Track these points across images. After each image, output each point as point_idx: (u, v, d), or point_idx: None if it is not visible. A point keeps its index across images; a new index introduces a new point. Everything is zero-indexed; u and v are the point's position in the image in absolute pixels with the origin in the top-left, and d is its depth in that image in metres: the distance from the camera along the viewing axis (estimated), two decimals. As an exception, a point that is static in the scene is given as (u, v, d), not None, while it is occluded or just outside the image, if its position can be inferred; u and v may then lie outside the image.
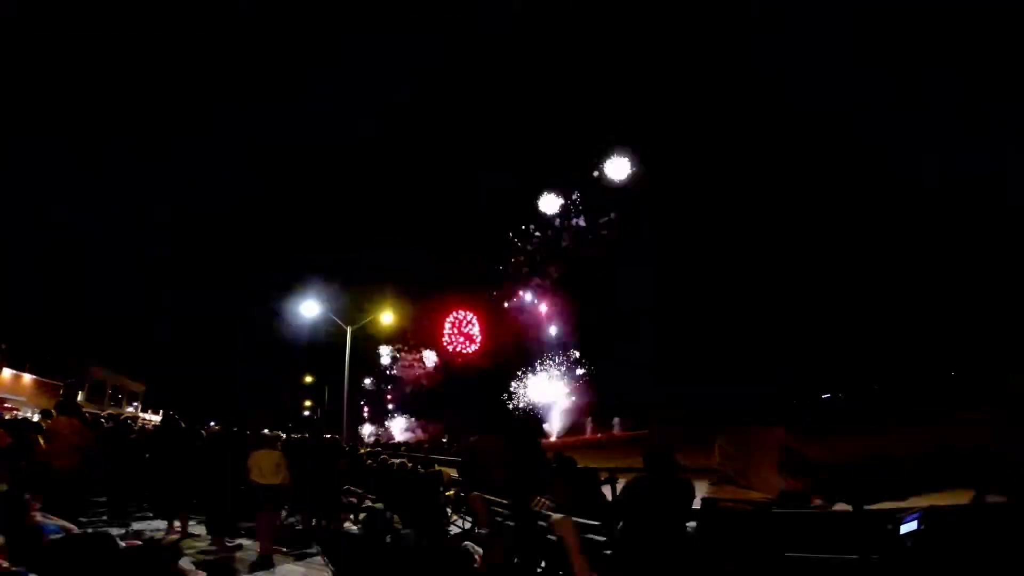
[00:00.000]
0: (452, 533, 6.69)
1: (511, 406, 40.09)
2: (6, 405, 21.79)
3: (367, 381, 49.89)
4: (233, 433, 7.59)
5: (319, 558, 5.90)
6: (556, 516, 4.54)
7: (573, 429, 37.73)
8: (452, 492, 7.61)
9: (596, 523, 4.02)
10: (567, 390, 39.49)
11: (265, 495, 6.03)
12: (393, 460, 10.12)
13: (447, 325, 42.77)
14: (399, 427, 48.87)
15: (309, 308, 15.08)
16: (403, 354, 45.96)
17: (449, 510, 7.22)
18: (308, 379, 41.54)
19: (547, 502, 5.07)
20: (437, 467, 8.13)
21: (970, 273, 25.72)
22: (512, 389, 40.76)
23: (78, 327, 38.89)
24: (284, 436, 10.49)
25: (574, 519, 4.29)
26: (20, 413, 17.60)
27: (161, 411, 46.52)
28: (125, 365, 42.80)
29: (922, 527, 2.43)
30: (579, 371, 39.62)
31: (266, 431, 8.41)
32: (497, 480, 6.80)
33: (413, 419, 48.39)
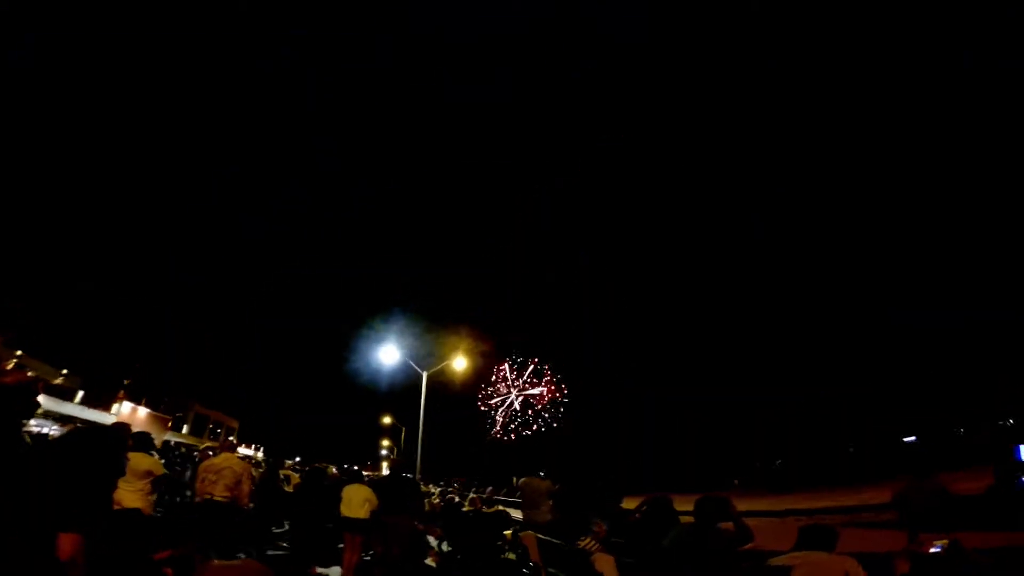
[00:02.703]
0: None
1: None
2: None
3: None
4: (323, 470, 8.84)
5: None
6: (598, 555, 5.18)
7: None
8: (509, 531, 8.27)
9: (630, 560, 4.64)
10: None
11: (352, 527, 7.07)
12: (459, 499, 10.97)
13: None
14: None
15: (389, 354, 16.32)
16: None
17: (507, 548, 7.88)
18: (387, 420, 43.46)
19: (595, 542, 5.67)
20: (500, 507, 8.88)
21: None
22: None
23: (182, 364, 43.24)
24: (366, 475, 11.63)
25: (616, 557, 4.93)
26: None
27: (253, 446, 50.39)
28: (219, 401, 47.15)
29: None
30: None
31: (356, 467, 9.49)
32: (546, 519, 7.42)
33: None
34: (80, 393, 27.82)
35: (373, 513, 7.15)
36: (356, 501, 7.09)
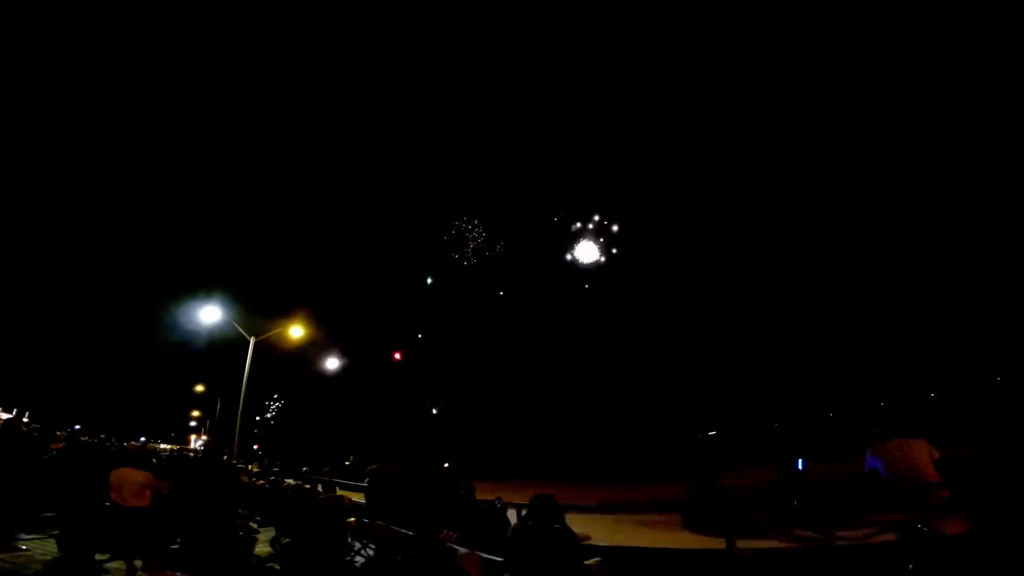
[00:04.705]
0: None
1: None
2: None
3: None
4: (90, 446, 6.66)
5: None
6: (462, 551, 4.37)
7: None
8: (353, 519, 7.10)
9: (499, 559, 3.91)
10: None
11: (131, 519, 5.26)
12: (287, 481, 9.38)
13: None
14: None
15: (209, 313, 13.84)
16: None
17: (350, 539, 6.73)
18: (199, 388, 37.69)
19: (454, 535, 4.94)
20: (339, 491, 7.58)
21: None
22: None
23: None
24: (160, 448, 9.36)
25: (480, 555, 4.16)
26: None
27: (15, 411, 40.06)
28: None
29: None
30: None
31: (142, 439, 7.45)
32: (403, 509, 6.47)
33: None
34: None
35: (159, 499, 5.46)
36: (129, 488, 5.28)
